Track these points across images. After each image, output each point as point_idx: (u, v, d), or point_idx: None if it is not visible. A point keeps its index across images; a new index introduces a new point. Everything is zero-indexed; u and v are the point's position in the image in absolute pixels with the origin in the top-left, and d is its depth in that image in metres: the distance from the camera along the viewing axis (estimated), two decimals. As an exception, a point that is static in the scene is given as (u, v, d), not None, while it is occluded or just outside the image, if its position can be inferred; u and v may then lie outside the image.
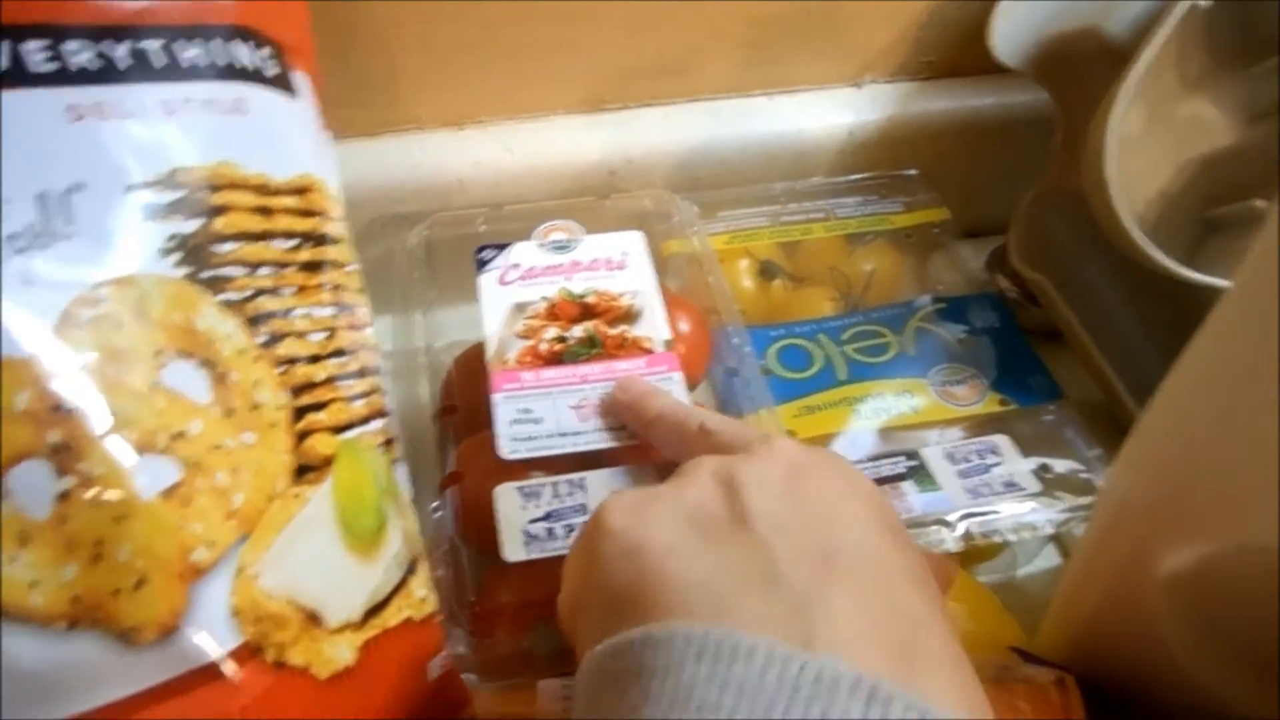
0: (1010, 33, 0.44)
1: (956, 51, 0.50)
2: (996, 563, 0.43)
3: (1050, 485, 0.40)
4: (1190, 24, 0.42)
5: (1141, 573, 0.30)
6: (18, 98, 0.23)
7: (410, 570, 0.30)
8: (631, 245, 0.41)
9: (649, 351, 0.38)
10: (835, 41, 0.49)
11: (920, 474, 0.40)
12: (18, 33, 0.24)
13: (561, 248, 0.41)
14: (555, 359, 0.37)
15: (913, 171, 0.51)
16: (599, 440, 0.35)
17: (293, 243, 0.28)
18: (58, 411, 0.22)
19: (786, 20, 0.47)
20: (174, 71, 0.26)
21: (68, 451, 0.22)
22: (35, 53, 0.24)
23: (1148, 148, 0.43)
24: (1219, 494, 0.27)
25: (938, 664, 0.22)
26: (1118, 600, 0.33)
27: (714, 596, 0.22)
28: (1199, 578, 0.28)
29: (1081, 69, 0.43)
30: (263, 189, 0.27)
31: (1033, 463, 0.40)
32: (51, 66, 0.24)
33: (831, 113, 0.50)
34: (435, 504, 0.36)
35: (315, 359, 0.28)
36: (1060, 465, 0.41)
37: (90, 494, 0.22)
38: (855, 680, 0.19)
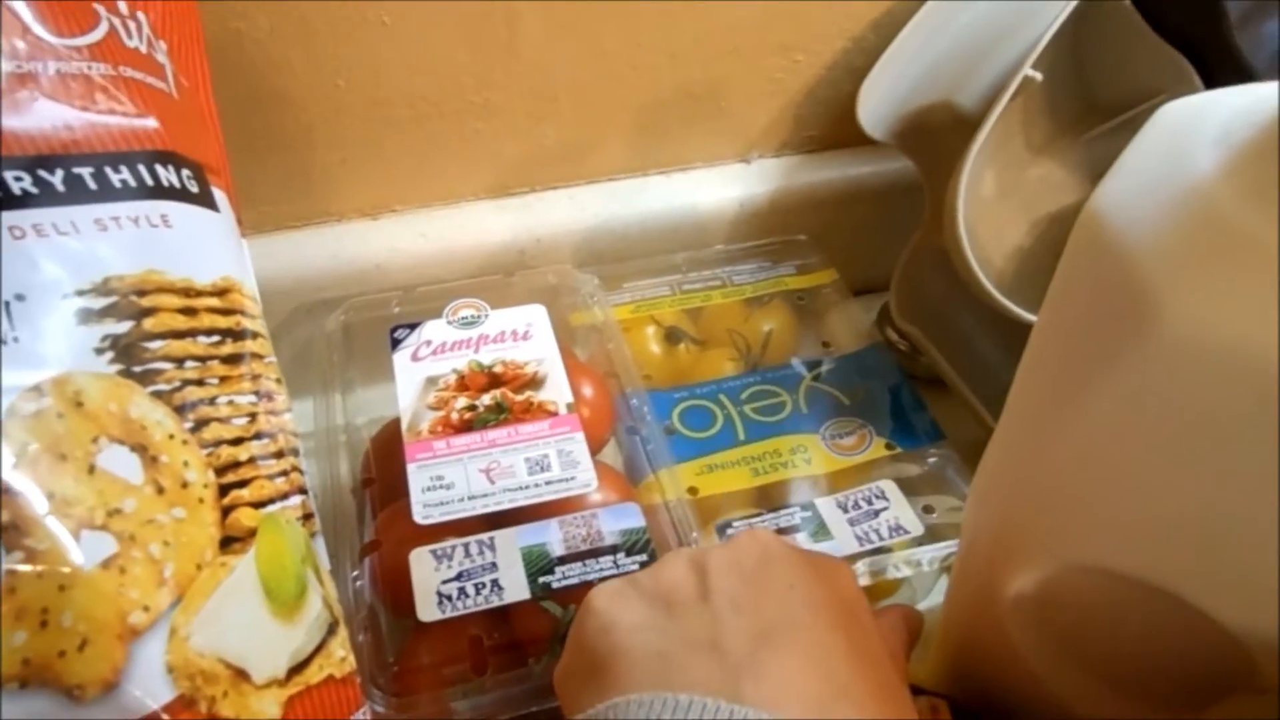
0: (874, 108, 0.50)
1: (834, 126, 0.57)
2: (896, 599, 0.48)
3: (933, 523, 0.45)
4: (1030, 96, 0.49)
5: (995, 597, 0.35)
6: (-35, 224, 0.28)
7: (330, 632, 0.34)
8: (535, 317, 0.47)
9: (553, 414, 0.43)
10: (722, 122, 0.56)
11: (814, 525, 0.45)
12: (-37, 167, 0.29)
13: (469, 323, 0.47)
14: (466, 426, 0.42)
15: (802, 237, 0.58)
16: (507, 500, 0.40)
17: (215, 338, 0.33)
18: (5, 494, 0.26)
19: (675, 105, 0.54)
20: (105, 193, 0.31)
21: (15, 530, 0.26)
22: (-21, 183, 0.29)
23: (1002, 208, 0.50)
24: (1045, 522, 0.32)
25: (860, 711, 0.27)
26: (980, 625, 0.37)
27: (666, 662, 0.27)
28: (1041, 598, 0.33)
29: (939, 139, 0.50)
30: (187, 292, 0.32)
31: (917, 503, 0.46)
32: (-6, 194, 0.29)
33: (723, 187, 0.57)
34: (355, 573, 0.40)
35: (238, 441, 0.33)
36: (943, 503, 0.46)
37: (36, 567, 0.26)
38: None
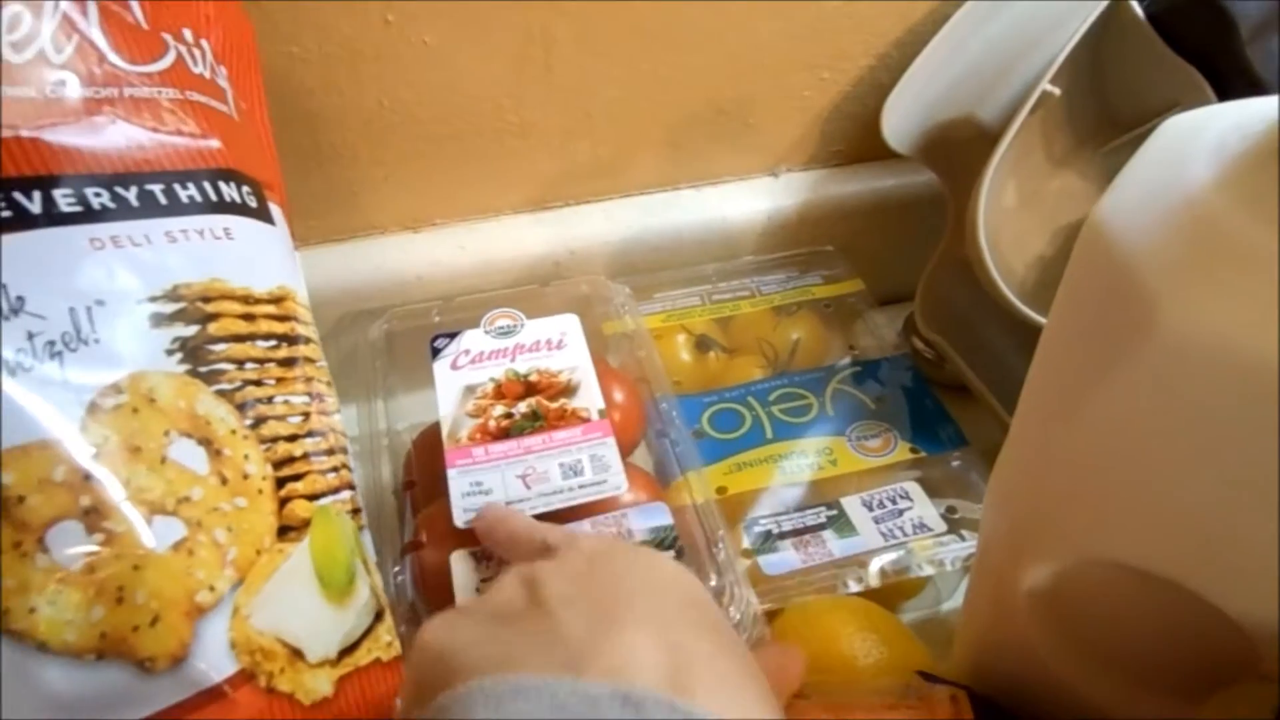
0: (898, 123, 0.53)
1: (860, 141, 0.60)
2: (921, 599, 0.50)
3: (956, 524, 0.47)
4: (1049, 111, 0.51)
5: (1010, 592, 0.36)
6: (52, 234, 0.31)
7: (377, 618, 0.36)
8: (569, 327, 0.49)
9: (586, 420, 0.45)
10: (751, 138, 0.58)
11: (840, 522, 0.47)
12: (48, 182, 0.32)
13: (506, 332, 0.49)
14: (503, 434, 0.45)
15: (828, 248, 0.60)
16: (542, 505, 0.42)
17: (272, 343, 0.36)
18: (87, 481, 0.29)
19: (704, 122, 0.57)
20: (174, 208, 0.34)
21: (95, 513, 0.29)
22: (62, 198, 0.32)
23: (1024, 218, 0.52)
24: (1056, 518, 0.33)
25: (715, 685, 0.26)
26: (997, 619, 0.39)
27: (506, 663, 0.26)
28: (1054, 592, 0.34)
29: (962, 152, 0.52)
30: (247, 299, 0.35)
31: (940, 505, 0.48)
32: (76, 208, 0.32)
33: (752, 200, 0.59)
34: (397, 569, 0.43)
35: (293, 438, 0.36)
36: (965, 506, 0.48)
37: (114, 548, 0.29)
38: (613, 691, 0.24)
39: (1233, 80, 0.45)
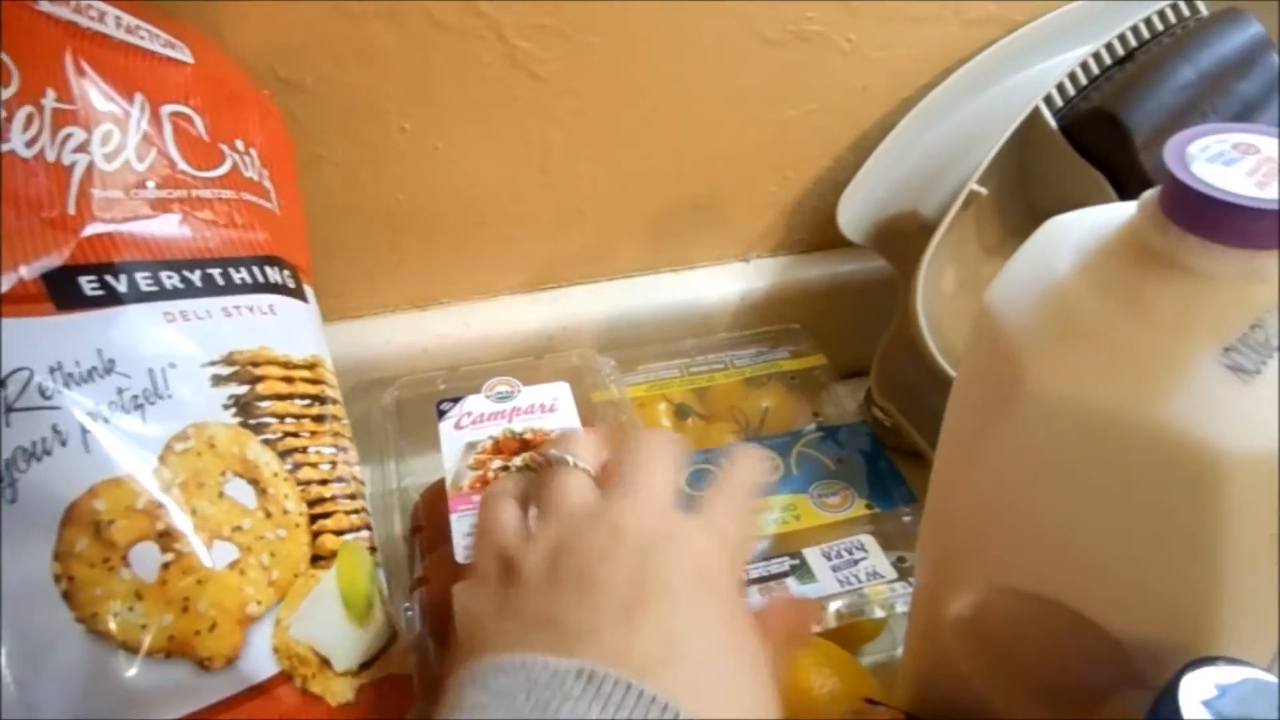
0: (852, 216, 0.61)
1: (821, 231, 0.68)
2: (878, 643, 0.57)
3: (906, 572, 0.54)
4: (981, 206, 0.60)
5: (939, 620, 0.41)
6: (135, 309, 0.39)
7: (391, 640, 0.43)
8: (560, 393, 0.57)
9: (573, 474, 0.53)
10: (724, 228, 0.67)
11: (801, 570, 0.54)
12: (131, 267, 0.40)
13: (504, 398, 0.57)
14: (500, 484, 0.52)
15: (795, 326, 0.68)
16: (535, 543, 0.49)
17: (307, 402, 0.43)
18: (161, 509, 0.36)
19: (683, 214, 0.65)
20: (229, 288, 0.42)
21: (168, 536, 0.36)
22: (142, 280, 0.40)
23: (962, 300, 0.60)
24: (968, 552, 0.39)
25: (692, 675, 0.28)
26: (930, 646, 0.45)
27: (512, 645, 0.30)
28: (973, 618, 0.40)
29: (908, 242, 0.60)
30: (287, 364, 0.43)
31: (892, 555, 0.55)
32: (154, 288, 0.40)
33: (726, 283, 0.68)
34: (407, 605, 0.50)
35: (324, 482, 0.43)
36: (914, 556, 0.55)
37: (181, 566, 0.36)
38: (579, 668, 0.27)
39: (1130, 182, 0.54)
